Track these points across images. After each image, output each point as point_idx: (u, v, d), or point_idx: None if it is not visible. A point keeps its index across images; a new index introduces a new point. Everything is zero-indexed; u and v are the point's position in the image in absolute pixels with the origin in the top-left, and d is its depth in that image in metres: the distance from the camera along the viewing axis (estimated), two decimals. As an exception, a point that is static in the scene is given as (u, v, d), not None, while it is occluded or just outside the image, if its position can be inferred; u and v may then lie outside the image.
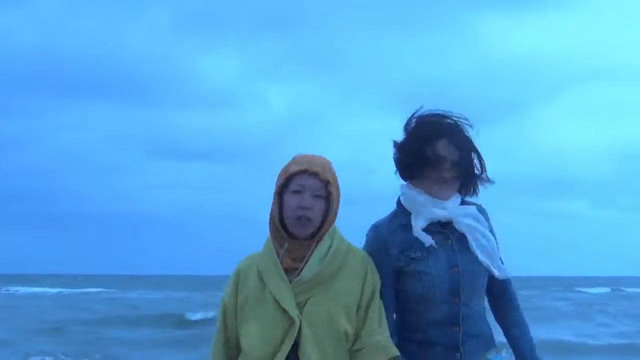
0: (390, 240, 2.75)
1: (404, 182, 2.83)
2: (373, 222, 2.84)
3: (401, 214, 2.80)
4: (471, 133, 2.79)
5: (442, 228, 2.76)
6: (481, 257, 2.73)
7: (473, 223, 2.77)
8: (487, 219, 2.85)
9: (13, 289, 48.25)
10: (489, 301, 2.90)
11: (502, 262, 2.80)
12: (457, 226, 2.75)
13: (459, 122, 2.77)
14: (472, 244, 2.74)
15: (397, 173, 2.85)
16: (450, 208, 2.75)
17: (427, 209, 2.73)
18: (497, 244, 2.82)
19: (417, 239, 2.73)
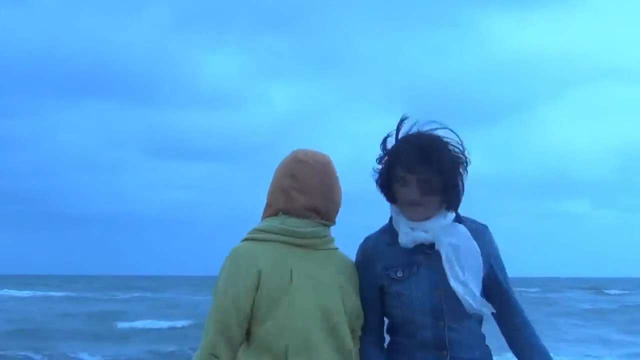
0: (376, 256, 2.68)
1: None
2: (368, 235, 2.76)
3: (389, 232, 2.70)
4: (454, 145, 2.62)
5: (428, 249, 2.63)
6: (453, 283, 2.57)
7: (458, 243, 2.61)
8: (490, 241, 2.71)
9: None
10: (499, 326, 2.74)
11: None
12: (438, 248, 2.61)
13: (435, 141, 2.60)
14: (446, 268, 2.58)
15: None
16: (433, 229, 2.60)
17: (408, 231, 2.61)
18: (495, 267, 2.68)
19: (401, 258, 2.63)
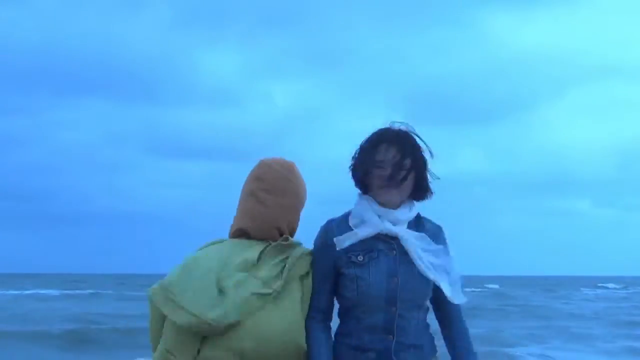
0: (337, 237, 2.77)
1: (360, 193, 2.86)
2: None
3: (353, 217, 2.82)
4: (421, 138, 2.80)
5: (389, 238, 2.77)
6: (429, 273, 2.73)
7: (421, 245, 2.77)
8: (445, 241, 2.85)
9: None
10: (438, 321, 2.92)
11: (462, 287, 2.81)
12: (403, 243, 2.75)
13: (402, 130, 2.79)
14: (417, 261, 2.74)
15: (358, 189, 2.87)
16: (399, 222, 2.77)
17: (377, 220, 2.75)
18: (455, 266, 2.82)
19: (361, 243, 2.75)
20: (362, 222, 2.76)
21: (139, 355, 13.12)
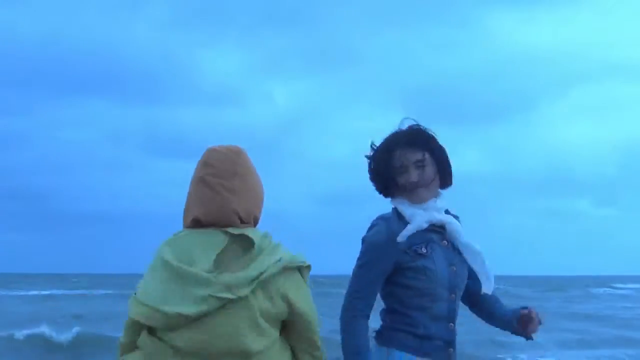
0: (399, 234, 2.81)
1: (390, 198, 2.92)
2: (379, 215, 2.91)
3: (399, 217, 2.87)
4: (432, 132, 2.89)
5: (439, 228, 2.87)
6: (474, 262, 2.89)
7: (459, 228, 2.91)
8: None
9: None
10: (467, 299, 3.05)
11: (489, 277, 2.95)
12: (449, 231, 2.88)
13: (412, 127, 2.87)
14: (464, 249, 2.88)
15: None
16: (441, 212, 2.88)
17: (421, 213, 2.83)
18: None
19: (420, 236, 2.83)
20: (413, 216, 2.82)
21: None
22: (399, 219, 2.84)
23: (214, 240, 2.55)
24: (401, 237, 2.78)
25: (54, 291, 44.07)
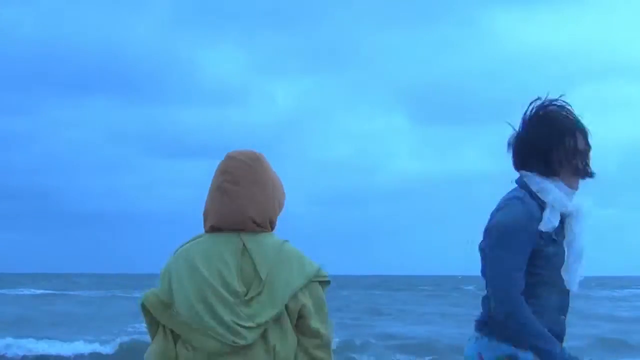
0: (537, 217, 2.73)
1: (527, 173, 2.81)
2: (514, 195, 2.79)
3: (531, 198, 2.76)
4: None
5: (562, 217, 2.81)
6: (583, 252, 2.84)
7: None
8: None
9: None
10: None
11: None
12: (578, 220, 2.83)
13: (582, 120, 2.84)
14: (581, 238, 2.84)
15: (516, 164, 2.85)
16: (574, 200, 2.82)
17: (562, 203, 2.76)
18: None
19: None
20: (556, 201, 2.75)
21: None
22: (528, 196, 2.75)
23: (232, 249, 2.61)
24: (545, 222, 2.71)
25: (68, 292, 44.35)
